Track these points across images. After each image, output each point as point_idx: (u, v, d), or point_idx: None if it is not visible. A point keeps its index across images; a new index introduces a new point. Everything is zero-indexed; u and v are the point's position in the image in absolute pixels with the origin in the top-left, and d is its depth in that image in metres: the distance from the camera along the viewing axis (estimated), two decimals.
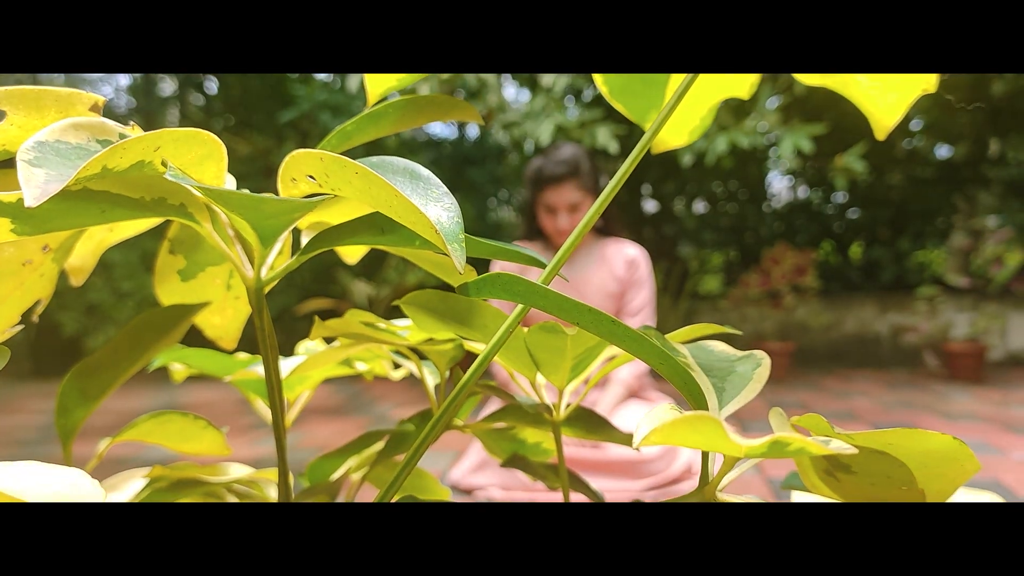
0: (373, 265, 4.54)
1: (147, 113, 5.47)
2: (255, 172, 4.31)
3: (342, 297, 4.06)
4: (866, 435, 0.25)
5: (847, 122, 4.35)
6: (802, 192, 4.71)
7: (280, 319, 4.39)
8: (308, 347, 0.57)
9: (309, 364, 0.38)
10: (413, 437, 0.42)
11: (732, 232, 4.17)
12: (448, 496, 0.52)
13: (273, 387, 0.29)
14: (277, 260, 0.28)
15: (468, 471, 1.86)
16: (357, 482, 0.45)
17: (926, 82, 0.32)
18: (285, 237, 0.29)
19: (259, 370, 0.46)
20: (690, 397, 0.22)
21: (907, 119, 4.64)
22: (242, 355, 0.57)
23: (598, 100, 3.26)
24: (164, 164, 0.21)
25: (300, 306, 4.01)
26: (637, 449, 0.38)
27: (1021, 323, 3.90)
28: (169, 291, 0.37)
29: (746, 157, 4.02)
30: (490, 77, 2.97)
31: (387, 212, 0.24)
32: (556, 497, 1.71)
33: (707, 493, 0.22)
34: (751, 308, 3.93)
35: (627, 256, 2.01)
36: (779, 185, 4.89)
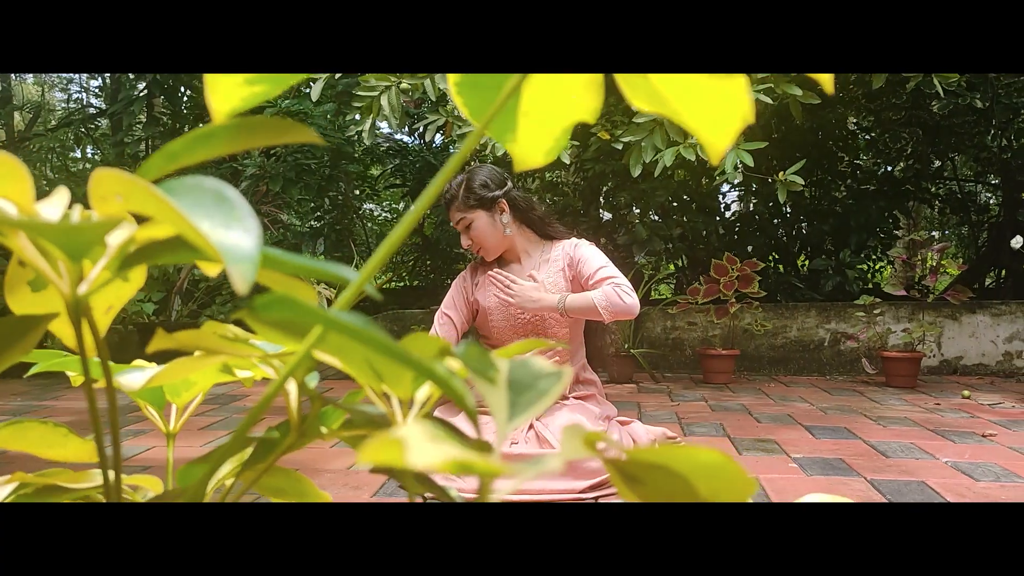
0: None
1: (114, 115, 5.35)
2: (221, 177, 4.25)
3: None
4: (645, 451, 0.27)
5: (795, 138, 4.47)
6: (752, 205, 4.82)
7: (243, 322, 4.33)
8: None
9: (163, 375, 0.39)
10: (280, 444, 0.43)
11: (683, 242, 4.25)
12: (329, 499, 0.53)
13: (93, 401, 0.29)
14: (103, 275, 0.29)
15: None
16: (228, 488, 0.45)
17: (745, 114, 0.34)
18: (113, 253, 0.29)
19: (133, 377, 0.46)
20: (462, 408, 0.23)
21: (853, 135, 4.79)
22: (139, 362, 0.57)
23: None
24: None
25: None
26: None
27: (956, 332, 4.04)
28: (19, 301, 0.37)
29: (698, 170, 4.10)
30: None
31: (180, 232, 0.25)
32: (519, 497, 1.74)
33: (482, 498, 0.24)
34: (699, 315, 4.01)
35: (566, 249, 2.08)
36: (730, 197, 5.01)
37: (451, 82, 0.39)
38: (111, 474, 0.30)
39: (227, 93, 0.32)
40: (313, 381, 0.43)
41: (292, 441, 0.38)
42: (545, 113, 0.38)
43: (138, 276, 0.37)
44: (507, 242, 2.06)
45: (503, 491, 0.25)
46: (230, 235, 0.25)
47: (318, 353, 0.39)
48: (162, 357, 0.43)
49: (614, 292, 1.90)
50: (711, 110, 0.35)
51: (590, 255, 2.03)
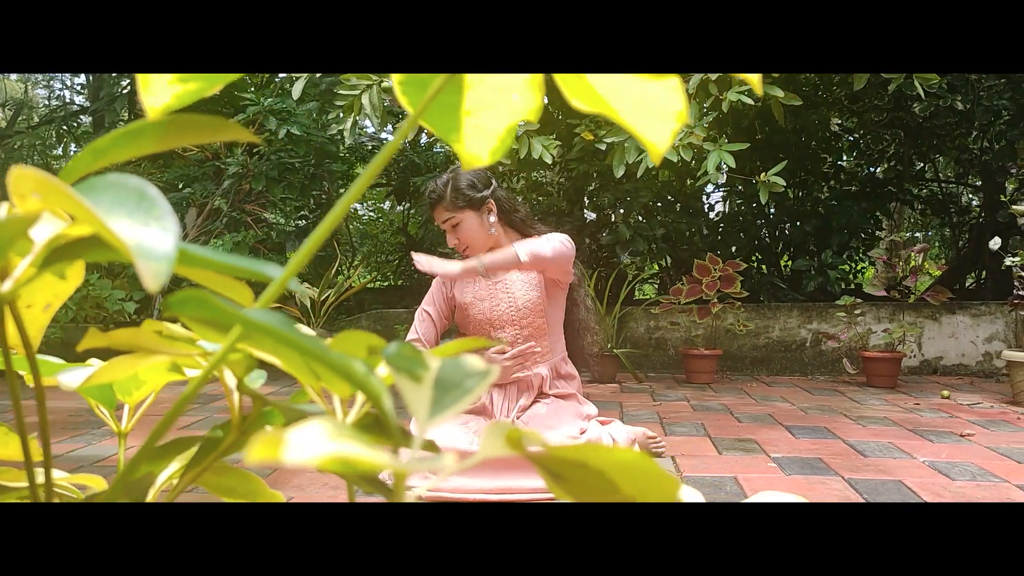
0: (320, 266, 4.49)
1: (96, 112, 5.29)
2: (204, 175, 4.23)
3: (286, 300, 3.99)
4: (566, 448, 0.27)
5: (778, 139, 4.50)
6: (736, 206, 4.85)
7: None
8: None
9: (99, 375, 0.38)
10: (223, 444, 0.42)
11: (667, 242, 4.27)
12: (281, 499, 0.53)
13: (17, 399, 0.29)
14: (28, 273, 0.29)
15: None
16: (173, 487, 0.45)
17: (680, 115, 0.35)
18: (38, 250, 0.29)
19: (72, 375, 0.46)
20: (377, 406, 0.23)
21: (836, 137, 4.83)
22: (92, 360, 0.57)
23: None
24: None
25: None
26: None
27: (936, 332, 4.08)
28: None
29: (682, 171, 4.12)
30: None
31: (95, 230, 0.25)
32: (494, 497, 1.74)
33: (395, 496, 0.24)
34: (682, 315, 4.03)
35: None
36: (714, 198, 5.04)
37: (395, 82, 0.39)
38: (39, 473, 0.30)
39: (160, 90, 0.32)
40: (259, 380, 0.43)
41: (233, 440, 0.38)
42: (487, 113, 0.39)
43: (76, 274, 0.37)
44: (492, 241, 2.06)
45: (420, 489, 0.25)
46: (147, 233, 0.24)
47: (258, 352, 0.39)
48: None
49: (534, 240, 1.90)
50: (647, 111, 0.35)
51: (543, 234, 2.04)
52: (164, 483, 0.50)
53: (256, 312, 0.23)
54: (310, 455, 0.15)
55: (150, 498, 0.45)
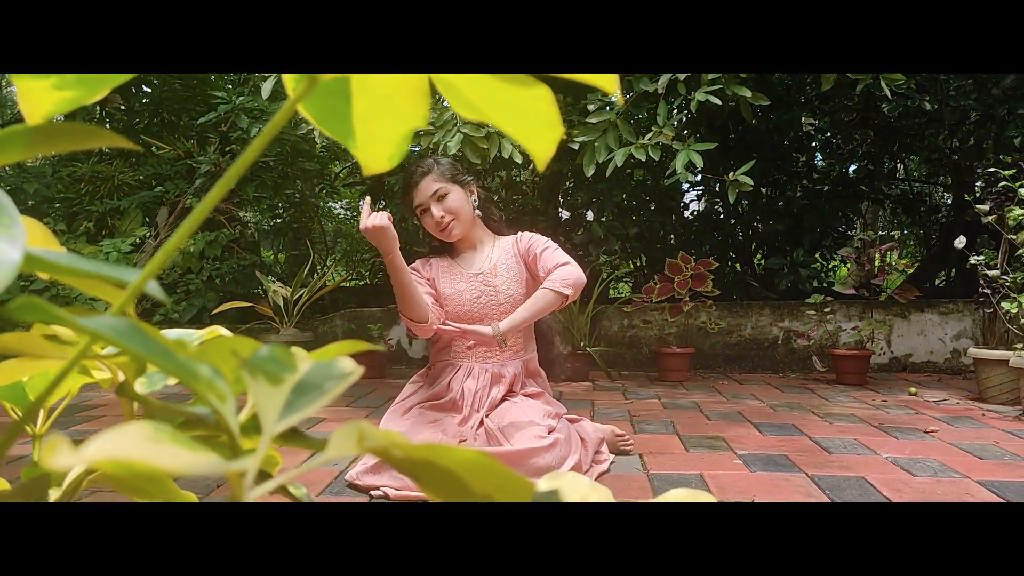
0: (294, 265, 4.47)
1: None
2: (176, 174, 4.20)
3: (260, 299, 3.97)
4: (415, 448, 0.28)
5: (751, 139, 4.54)
6: (710, 204, 4.89)
7: (199, 319, 4.29)
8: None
9: None
10: None
11: (641, 241, 4.30)
12: (194, 499, 0.53)
13: None
14: None
15: (363, 471, 1.86)
16: (80, 486, 0.45)
17: (554, 124, 0.36)
18: None
19: None
20: (217, 411, 0.24)
21: (807, 137, 4.88)
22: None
23: None
24: None
25: (218, 307, 3.91)
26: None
27: (905, 330, 4.15)
28: None
29: (657, 170, 4.15)
30: None
31: None
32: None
33: (234, 495, 0.24)
34: (655, 314, 4.06)
35: (517, 239, 2.18)
36: (690, 197, 5.08)
37: (288, 88, 0.40)
38: None
39: (38, 98, 0.33)
40: (160, 383, 0.43)
41: None
42: (379, 120, 0.39)
43: None
44: (471, 224, 2.11)
45: (260, 491, 0.25)
46: None
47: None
48: None
49: (566, 269, 1.99)
50: (525, 120, 0.36)
51: (546, 243, 2.10)
52: (72, 483, 0.50)
53: (95, 319, 0.24)
54: (80, 460, 0.16)
55: (53, 500, 0.45)
